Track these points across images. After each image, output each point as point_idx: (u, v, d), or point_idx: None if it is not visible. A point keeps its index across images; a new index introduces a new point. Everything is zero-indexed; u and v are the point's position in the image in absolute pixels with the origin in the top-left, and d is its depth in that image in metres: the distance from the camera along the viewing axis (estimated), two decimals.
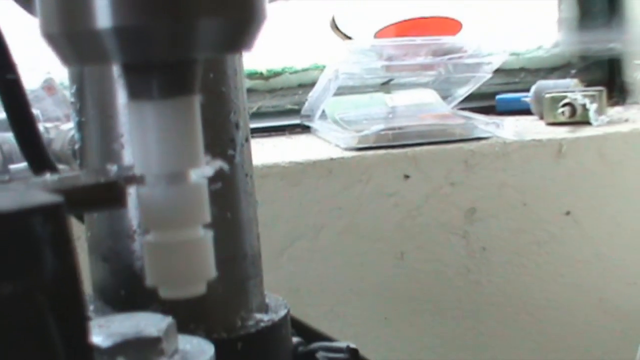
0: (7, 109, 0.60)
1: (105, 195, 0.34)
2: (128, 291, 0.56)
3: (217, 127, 0.57)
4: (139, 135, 0.35)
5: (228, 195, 0.57)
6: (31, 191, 0.32)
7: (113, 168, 0.35)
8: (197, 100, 0.36)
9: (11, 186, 0.35)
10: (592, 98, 1.19)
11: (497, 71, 1.31)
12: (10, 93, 0.59)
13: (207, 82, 0.55)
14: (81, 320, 0.30)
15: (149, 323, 0.42)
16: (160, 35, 0.33)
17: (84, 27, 0.32)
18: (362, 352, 0.65)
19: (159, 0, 0.32)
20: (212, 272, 0.37)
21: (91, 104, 0.56)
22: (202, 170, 0.36)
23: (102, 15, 0.32)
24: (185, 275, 0.36)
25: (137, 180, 0.35)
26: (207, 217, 0.37)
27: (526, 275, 1.15)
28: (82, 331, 0.30)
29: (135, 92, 0.35)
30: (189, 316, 0.55)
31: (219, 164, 0.37)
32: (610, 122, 1.19)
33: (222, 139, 0.57)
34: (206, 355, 0.43)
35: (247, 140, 0.60)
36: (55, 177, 0.36)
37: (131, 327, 0.41)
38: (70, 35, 0.33)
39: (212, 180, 0.57)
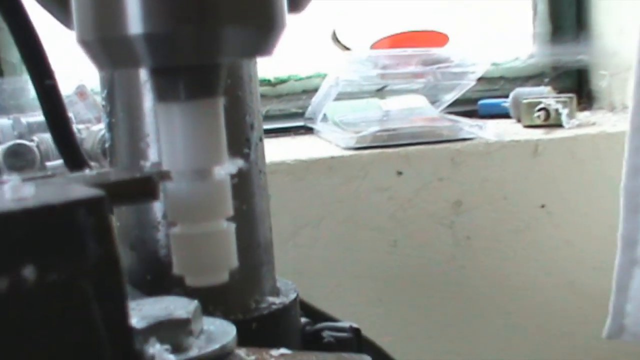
0: (46, 112, 0.59)
1: (141, 189, 0.33)
2: (153, 276, 0.55)
3: (234, 128, 0.56)
4: (166, 135, 0.34)
5: (244, 190, 0.57)
6: (73, 186, 0.31)
7: (146, 164, 0.34)
8: (221, 102, 0.35)
9: (53, 181, 0.34)
10: (564, 103, 1.19)
11: (480, 79, 1.31)
12: (49, 97, 0.58)
13: (225, 87, 0.55)
14: (122, 304, 0.30)
15: (178, 306, 0.41)
16: (187, 41, 0.31)
17: (117, 34, 0.31)
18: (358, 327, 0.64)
19: (186, 9, 0.31)
20: (234, 261, 0.36)
21: (120, 107, 0.55)
22: (225, 167, 0.35)
23: (134, 22, 0.31)
24: (209, 264, 0.35)
25: (167, 175, 0.34)
26: (230, 211, 0.36)
27: (505, 260, 1.14)
28: (123, 314, 0.30)
29: (163, 95, 0.34)
30: (208, 299, 0.53)
31: (240, 162, 0.36)
32: (580, 125, 1.19)
33: (239, 138, 0.57)
34: (229, 335, 0.42)
35: (261, 139, 0.60)
36: (93, 172, 0.36)
37: (162, 310, 0.40)
38: (104, 41, 0.32)
39: (231, 176, 0.57)
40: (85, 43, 0.33)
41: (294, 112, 1.30)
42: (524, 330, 1.16)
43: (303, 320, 0.62)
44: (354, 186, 1.07)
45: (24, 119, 1.00)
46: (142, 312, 0.41)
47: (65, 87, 1.08)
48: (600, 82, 1.34)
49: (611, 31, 1.31)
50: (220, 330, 0.43)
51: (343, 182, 1.07)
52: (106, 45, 0.32)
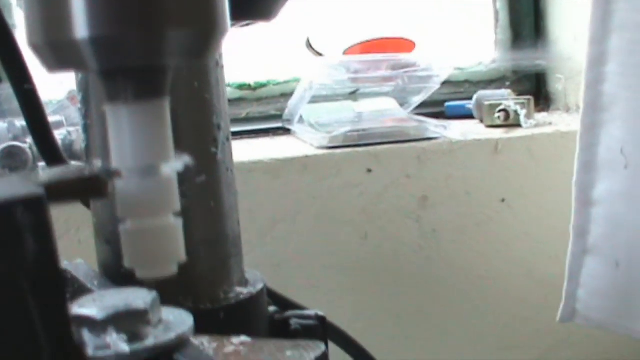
0: (25, 115, 0.58)
1: (89, 188, 0.31)
2: (127, 270, 0.54)
3: (201, 128, 0.55)
4: (115, 134, 0.32)
5: (211, 187, 0.55)
6: (18, 184, 0.30)
7: (98, 164, 0.33)
8: (167, 103, 0.33)
9: (3, 180, 0.33)
10: (522, 105, 1.18)
11: (446, 83, 1.30)
12: (28, 101, 0.57)
13: (192, 90, 0.54)
14: (60, 299, 0.29)
15: (137, 297, 0.40)
16: (133, 43, 0.30)
17: (64, 37, 0.30)
18: (332, 316, 0.63)
19: (131, 12, 0.29)
20: (182, 254, 0.35)
21: (94, 109, 0.53)
22: (172, 165, 0.33)
23: (80, 26, 0.29)
24: (158, 258, 0.34)
25: (117, 174, 0.32)
26: (177, 206, 0.34)
27: (469, 251, 1.13)
28: (61, 309, 0.29)
29: (111, 96, 0.32)
30: (179, 289, 0.53)
31: (186, 159, 0.35)
32: (537, 125, 1.18)
33: (206, 138, 0.55)
34: (186, 325, 0.41)
35: (228, 139, 0.58)
36: (45, 171, 0.34)
37: (121, 301, 0.39)
38: (52, 45, 0.30)
39: (197, 174, 0.56)
40: (34, 46, 0.31)
41: (273, 114, 1.28)
42: (487, 315, 1.16)
43: (272, 308, 0.61)
44: (327, 183, 1.06)
45: (18, 123, 0.98)
46: (102, 303, 0.39)
47: (58, 92, 1.07)
48: (556, 85, 1.34)
49: (566, 38, 1.30)
50: (178, 320, 0.41)
51: (317, 179, 1.06)
52: (54, 49, 0.31)
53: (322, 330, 0.59)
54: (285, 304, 0.63)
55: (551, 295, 1.00)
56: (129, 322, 0.38)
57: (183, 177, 0.55)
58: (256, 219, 1.04)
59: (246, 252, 1.03)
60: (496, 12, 1.39)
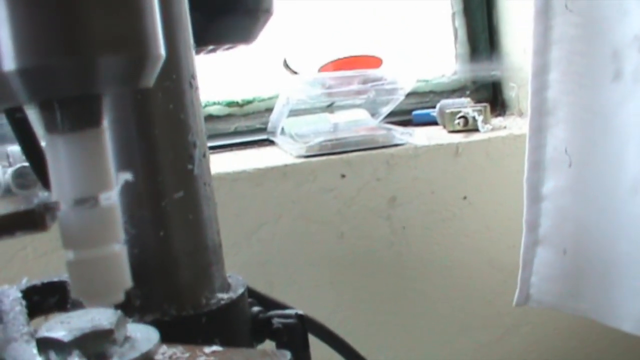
0: (19, 141, 0.55)
1: (25, 221, 0.28)
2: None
3: (177, 147, 0.52)
4: (53, 165, 0.29)
5: (189, 201, 0.52)
6: None
7: (38, 196, 0.30)
8: (104, 131, 0.29)
9: None
10: (479, 112, 1.16)
11: (413, 94, 1.29)
12: (21, 128, 0.54)
13: (168, 111, 0.51)
14: None
15: (103, 317, 0.37)
16: (64, 73, 0.26)
17: None
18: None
19: (59, 41, 0.26)
20: (128, 282, 0.31)
21: None
22: (109, 194, 0.30)
23: (8, 58, 0.26)
24: (104, 287, 0.30)
25: (55, 206, 0.29)
26: (120, 235, 0.31)
27: (435, 245, 1.11)
28: None
29: (47, 127, 0.29)
30: (163, 297, 0.51)
31: (124, 177, 0.32)
32: (493, 129, 1.16)
33: (182, 156, 0.52)
34: (151, 342, 0.38)
35: (204, 155, 0.55)
36: None
37: (87, 322, 0.36)
38: None
39: (175, 190, 0.53)
40: None
41: (259, 127, 1.25)
42: (453, 301, 1.13)
43: (256, 309, 0.58)
44: (305, 188, 1.03)
45: None
46: (69, 325, 0.36)
47: None
48: (510, 93, 1.32)
49: (517, 51, 1.28)
50: (144, 337, 0.38)
51: (295, 185, 1.03)
52: None
53: (302, 327, 0.57)
54: (268, 303, 0.61)
55: (509, 282, 0.98)
56: (95, 342, 0.35)
57: (162, 193, 0.53)
58: (242, 223, 1.01)
59: (233, 252, 1.01)
60: (455, 30, 1.37)
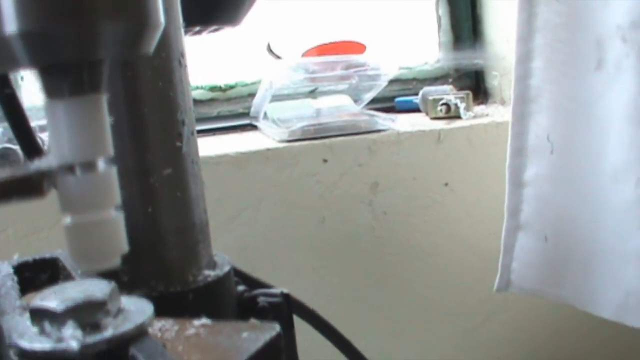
0: (7, 116, 0.56)
1: (22, 188, 0.29)
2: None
3: (166, 124, 0.53)
4: (53, 130, 0.29)
5: (177, 178, 0.53)
6: None
7: (35, 163, 0.30)
8: (103, 98, 0.30)
9: None
10: (462, 99, 1.17)
11: (396, 81, 1.30)
12: (9, 103, 0.55)
13: (157, 89, 0.52)
14: None
15: (96, 288, 0.37)
16: (65, 38, 0.27)
17: None
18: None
19: (62, 6, 0.26)
20: (124, 247, 0.32)
21: None
22: (107, 159, 0.30)
23: (9, 21, 0.26)
24: (101, 252, 0.31)
25: (53, 172, 0.29)
26: (117, 200, 0.31)
27: (416, 231, 1.12)
28: None
29: (48, 92, 0.29)
30: (151, 274, 0.52)
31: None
32: (475, 116, 1.17)
33: (171, 133, 0.53)
34: (145, 314, 0.39)
35: (192, 134, 0.56)
36: None
37: (80, 293, 0.37)
38: None
39: (163, 167, 0.54)
40: None
41: (241, 112, 1.26)
42: (434, 287, 1.15)
43: (241, 288, 0.59)
44: (287, 173, 1.04)
45: None
46: (63, 295, 0.37)
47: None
48: (493, 81, 1.33)
49: (500, 40, 1.30)
50: (138, 309, 0.39)
51: (277, 169, 1.04)
52: None
53: (287, 306, 0.58)
54: (253, 283, 0.62)
55: (490, 268, 0.99)
56: (88, 313, 0.36)
57: (150, 170, 0.54)
58: (224, 207, 1.02)
59: (215, 237, 1.01)
60: (438, 18, 1.38)
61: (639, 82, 0.80)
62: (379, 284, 1.12)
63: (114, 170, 0.31)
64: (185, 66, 0.55)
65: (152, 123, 0.52)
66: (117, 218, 0.31)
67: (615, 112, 0.84)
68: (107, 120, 0.30)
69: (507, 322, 1.19)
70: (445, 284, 1.15)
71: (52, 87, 0.29)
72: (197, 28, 0.72)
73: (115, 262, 0.32)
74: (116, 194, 0.31)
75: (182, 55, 0.55)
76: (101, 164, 0.30)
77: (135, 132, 0.51)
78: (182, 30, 0.55)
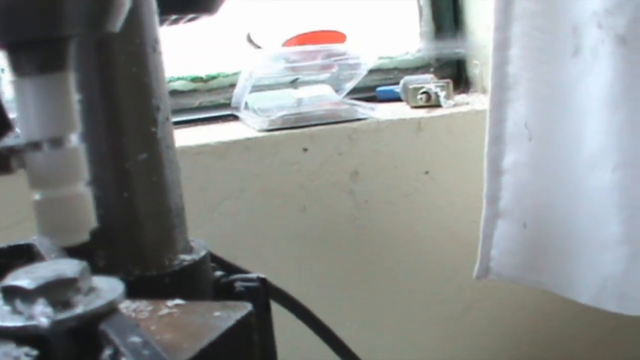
0: None
1: None
2: None
3: (141, 110, 0.54)
4: (21, 107, 0.30)
5: (152, 163, 0.54)
6: None
7: (3, 140, 0.31)
8: (70, 76, 0.31)
9: None
10: (442, 87, 1.18)
11: (378, 70, 1.31)
12: None
13: (131, 75, 0.53)
14: None
15: (68, 267, 0.38)
16: (31, 14, 0.27)
17: None
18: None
19: None
20: (92, 222, 0.33)
21: None
22: (74, 136, 0.31)
23: None
24: (70, 226, 0.32)
25: (21, 150, 0.30)
26: (85, 175, 0.32)
27: (397, 220, 1.13)
28: None
29: (15, 70, 0.30)
30: (127, 258, 0.53)
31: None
32: (456, 105, 1.18)
33: (146, 119, 0.54)
34: (117, 291, 0.39)
35: (167, 119, 0.57)
36: None
37: (52, 272, 0.37)
38: None
39: (138, 152, 0.54)
40: None
41: (223, 102, 1.26)
42: (416, 275, 1.16)
43: (219, 273, 0.60)
44: (267, 162, 1.05)
45: None
46: (34, 274, 0.38)
47: None
48: (474, 70, 1.34)
49: (481, 29, 1.30)
50: (110, 287, 0.40)
51: (258, 159, 1.04)
52: None
53: (264, 290, 0.59)
54: (230, 268, 0.63)
55: (471, 256, 1.00)
56: (58, 291, 0.36)
57: (125, 155, 0.54)
58: (205, 196, 1.02)
59: (197, 225, 1.01)
60: (420, 8, 1.39)
61: (615, 68, 0.81)
62: (360, 273, 1.13)
63: (81, 147, 0.32)
64: (160, 53, 0.56)
65: (126, 109, 0.53)
66: (85, 193, 0.32)
67: (592, 99, 0.85)
68: (75, 97, 0.31)
69: (489, 309, 1.20)
70: (427, 272, 1.16)
71: (19, 65, 0.30)
72: (174, 17, 0.72)
73: (84, 236, 0.32)
74: (84, 170, 0.32)
75: (157, 41, 0.55)
76: (69, 140, 0.31)
77: (110, 118, 0.52)
78: (157, 17, 0.56)
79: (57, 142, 0.31)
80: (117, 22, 0.31)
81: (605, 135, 0.83)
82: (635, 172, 0.82)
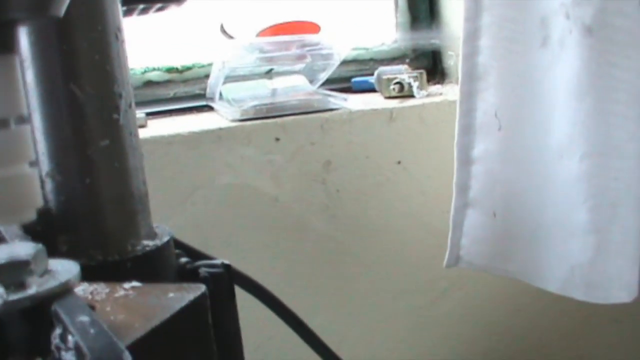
0: None
1: None
2: (42, 226, 0.53)
3: (103, 97, 0.54)
4: None
5: (115, 150, 0.54)
6: None
7: None
8: (16, 59, 0.31)
9: None
10: (415, 78, 1.19)
11: (354, 62, 1.32)
12: None
13: (94, 62, 0.53)
14: None
15: (22, 250, 0.39)
16: None
17: None
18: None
19: None
20: (39, 201, 0.34)
21: None
22: (20, 117, 0.32)
23: None
24: (16, 205, 0.33)
25: None
26: (31, 155, 0.33)
27: (370, 209, 1.14)
28: None
29: None
30: (89, 243, 0.53)
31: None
32: (429, 95, 1.19)
33: (108, 105, 0.54)
34: (72, 272, 0.40)
35: (130, 106, 0.57)
36: None
37: (6, 254, 0.38)
38: None
39: (101, 138, 0.55)
40: None
41: (198, 93, 1.26)
42: (388, 265, 1.17)
43: (184, 259, 0.60)
44: (240, 152, 1.05)
45: None
46: None
47: None
48: (449, 61, 1.35)
49: (456, 20, 1.31)
50: (65, 269, 0.40)
51: (230, 149, 1.05)
52: None
53: (228, 276, 0.59)
54: (196, 255, 0.63)
55: (443, 246, 1.01)
56: (12, 272, 0.37)
57: (88, 141, 0.55)
58: (177, 186, 1.03)
59: (169, 215, 1.03)
60: None
61: (582, 57, 0.82)
62: (333, 262, 1.14)
63: (27, 128, 0.32)
64: (123, 41, 0.56)
65: (88, 95, 0.53)
66: (30, 173, 0.33)
67: (560, 88, 0.86)
68: (20, 80, 0.31)
69: (462, 298, 1.22)
70: (399, 261, 1.17)
71: None
72: (142, 6, 0.73)
73: (30, 216, 0.33)
74: (30, 151, 0.33)
75: (119, 29, 0.56)
76: (14, 121, 0.31)
77: (72, 104, 0.53)
78: (119, 5, 0.57)
79: (2, 123, 0.31)
80: (62, 7, 0.31)
81: (572, 124, 0.85)
82: (601, 161, 0.83)
